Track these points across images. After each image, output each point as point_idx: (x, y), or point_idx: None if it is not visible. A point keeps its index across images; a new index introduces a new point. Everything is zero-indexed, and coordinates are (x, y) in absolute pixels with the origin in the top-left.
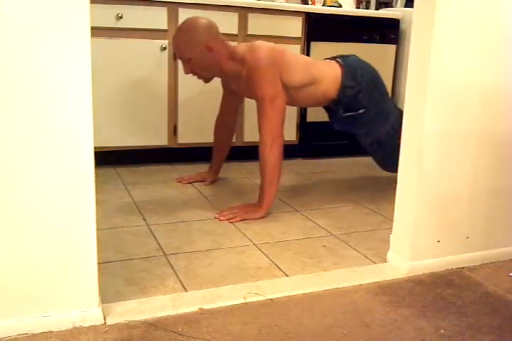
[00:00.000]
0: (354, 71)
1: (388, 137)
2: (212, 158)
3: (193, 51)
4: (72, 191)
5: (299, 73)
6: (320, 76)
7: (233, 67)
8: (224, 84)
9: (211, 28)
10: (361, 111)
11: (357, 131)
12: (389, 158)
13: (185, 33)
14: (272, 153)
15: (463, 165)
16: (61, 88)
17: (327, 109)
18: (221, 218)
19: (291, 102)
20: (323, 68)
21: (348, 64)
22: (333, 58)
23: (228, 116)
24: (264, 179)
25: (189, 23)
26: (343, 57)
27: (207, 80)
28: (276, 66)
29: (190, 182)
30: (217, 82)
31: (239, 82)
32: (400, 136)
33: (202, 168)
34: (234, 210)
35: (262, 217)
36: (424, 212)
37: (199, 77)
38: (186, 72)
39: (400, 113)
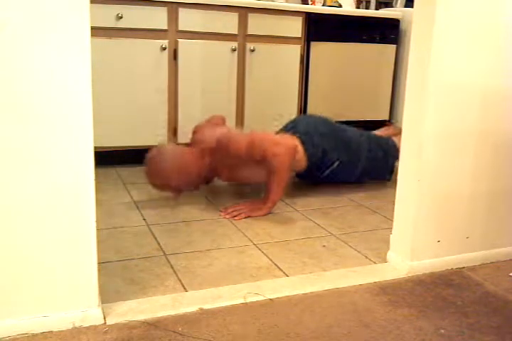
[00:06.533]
0: (311, 138)
1: (370, 161)
2: None
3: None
4: (72, 191)
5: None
6: None
7: (206, 165)
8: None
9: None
10: (336, 163)
11: (343, 177)
12: (382, 172)
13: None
14: (286, 154)
15: (463, 165)
16: (61, 88)
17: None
18: (227, 216)
19: (235, 177)
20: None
21: (301, 133)
22: (284, 129)
23: None
24: (274, 178)
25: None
26: (293, 126)
27: (202, 183)
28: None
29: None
30: (216, 82)
31: (218, 168)
32: (376, 148)
33: None
34: (238, 207)
35: (266, 215)
36: (424, 212)
37: (195, 188)
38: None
39: (362, 133)
